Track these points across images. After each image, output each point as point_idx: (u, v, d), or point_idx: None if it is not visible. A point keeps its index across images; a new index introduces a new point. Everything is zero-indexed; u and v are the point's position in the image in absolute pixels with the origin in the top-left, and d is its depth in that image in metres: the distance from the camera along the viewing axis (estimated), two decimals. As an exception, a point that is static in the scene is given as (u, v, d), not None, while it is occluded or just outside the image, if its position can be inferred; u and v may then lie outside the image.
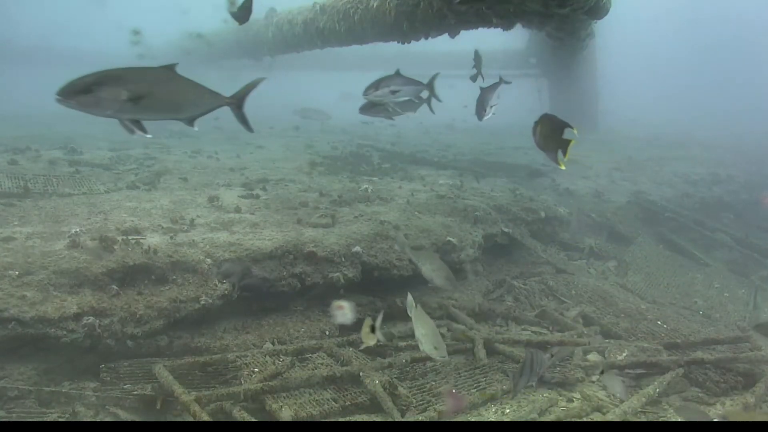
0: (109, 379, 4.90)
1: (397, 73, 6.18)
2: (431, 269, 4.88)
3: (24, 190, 7.66)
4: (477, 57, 8.01)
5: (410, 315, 4.40)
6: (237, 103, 3.89)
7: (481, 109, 6.08)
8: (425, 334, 4.20)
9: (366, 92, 6.01)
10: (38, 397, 4.60)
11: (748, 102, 30.07)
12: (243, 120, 3.97)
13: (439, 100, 6.72)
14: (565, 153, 4.02)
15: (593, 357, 5.78)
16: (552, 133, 4.05)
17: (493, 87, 6.20)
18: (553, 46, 13.19)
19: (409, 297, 4.49)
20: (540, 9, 7.59)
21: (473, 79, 8.57)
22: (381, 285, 6.62)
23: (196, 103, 3.78)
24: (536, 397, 4.94)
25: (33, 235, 5.89)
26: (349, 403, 4.67)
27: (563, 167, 4.13)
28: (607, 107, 21.43)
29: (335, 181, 10.12)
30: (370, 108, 6.28)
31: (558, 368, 5.34)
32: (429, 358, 5.43)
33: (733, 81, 39.45)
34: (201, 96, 3.77)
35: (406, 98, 6.29)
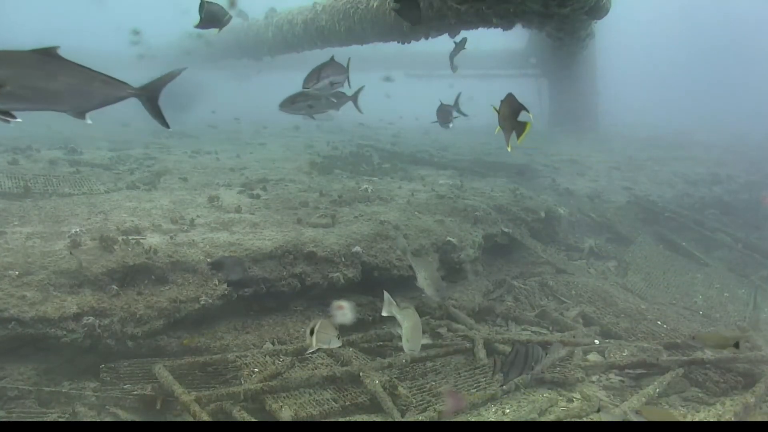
0: (109, 379, 4.90)
1: (332, 60, 5.78)
2: (424, 277, 4.95)
3: (24, 190, 7.66)
4: (459, 45, 8.09)
5: (387, 313, 4.44)
6: (148, 95, 3.48)
7: (444, 119, 7.56)
8: (407, 328, 4.32)
9: (306, 84, 5.57)
10: (38, 397, 4.60)
11: (748, 102, 30.08)
12: (156, 114, 3.59)
13: (356, 104, 6.52)
14: (519, 135, 4.02)
15: (593, 357, 5.78)
16: (510, 114, 4.06)
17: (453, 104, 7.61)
18: (553, 46, 13.20)
19: (386, 295, 4.52)
20: (540, 9, 7.60)
21: (453, 69, 8.69)
22: (381, 285, 6.60)
23: (82, 93, 3.30)
24: (536, 397, 4.93)
25: (33, 235, 5.89)
26: (349, 403, 4.67)
27: (509, 149, 4.17)
28: (608, 107, 21.44)
29: (335, 181, 10.12)
30: (291, 104, 5.80)
31: (558, 368, 5.34)
32: (429, 358, 5.45)
33: (733, 82, 39.46)
34: (89, 84, 3.29)
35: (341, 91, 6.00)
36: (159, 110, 3.60)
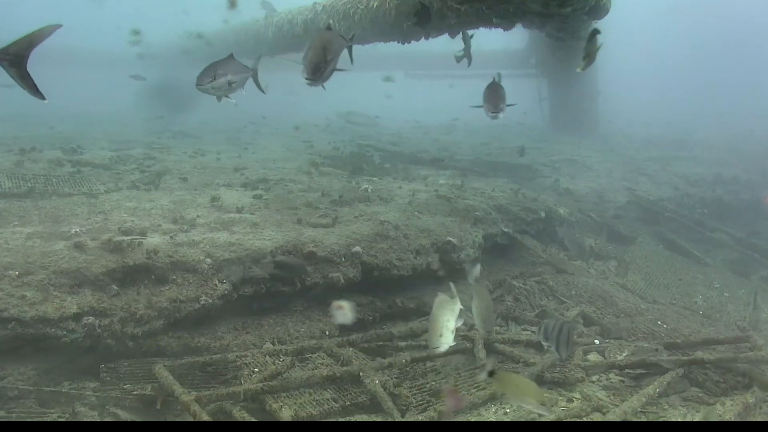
0: (109, 379, 4.90)
1: (231, 58, 5.58)
2: (477, 306, 4.55)
3: (24, 190, 7.65)
4: (465, 37, 7.88)
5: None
6: (11, 59, 2.83)
7: (494, 106, 5.80)
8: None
9: (201, 81, 5.27)
10: (38, 397, 4.60)
11: (749, 102, 30.05)
12: (25, 82, 2.98)
13: (263, 91, 6.31)
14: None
15: (593, 357, 5.78)
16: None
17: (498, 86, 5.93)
18: (553, 46, 13.19)
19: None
20: (540, 9, 7.59)
21: (458, 59, 8.59)
22: (381, 285, 6.62)
23: None
24: (536, 397, 4.93)
25: (33, 235, 5.89)
26: (349, 403, 4.67)
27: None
28: (609, 107, 21.42)
29: (335, 181, 10.12)
30: (209, 82, 5.42)
31: (558, 368, 5.33)
32: (429, 358, 5.44)
33: (734, 81, 39.42)
34: None
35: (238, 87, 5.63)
36: (28, 77, 2.98)
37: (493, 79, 6.03)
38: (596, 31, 5.77)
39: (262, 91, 6.32)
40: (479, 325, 4.57)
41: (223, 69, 5.36)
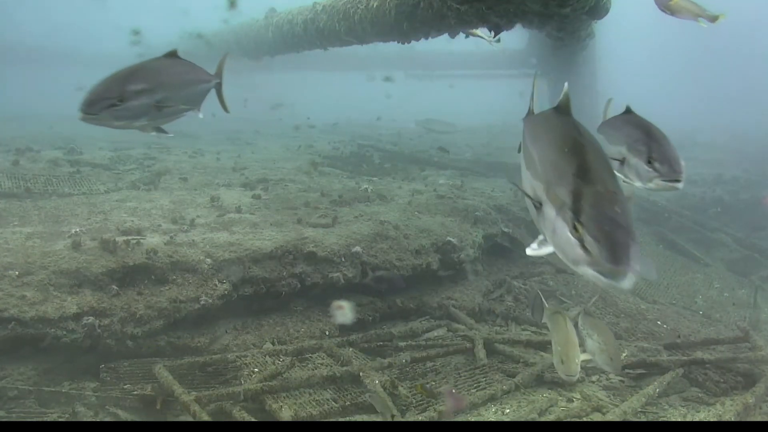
0: (109, 379, 4.90)
1: (173, 58, 3.83)
2: (596, 341, 3.93)
3: (24, 190, 7.66)
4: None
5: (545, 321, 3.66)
6: None
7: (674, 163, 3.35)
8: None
9: (89, 108, 3.35)
10: (38, 397, 4.60)
11: (751, 102, 30.03)
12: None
13: (226, 110, 4.79)
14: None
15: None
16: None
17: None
18: (554, 46, 13.19)
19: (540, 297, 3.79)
20: (540, 9, 7.58)
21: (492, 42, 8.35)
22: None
23: None
24: (536, 397, 4.93)
25: (33, 235, 5.89)
26: (349, 403, 4.67)
27: None
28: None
29: (335, 181, 10.12)
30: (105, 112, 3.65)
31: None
32: (429, 358, 5.44)
33: (736, 80, 39.40)
34: None
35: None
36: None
37: (628, 108, 4.10)
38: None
39: (225, 110, 4.80)
40: (605, 365, 3.93)
41: (144, 82, 3.39)
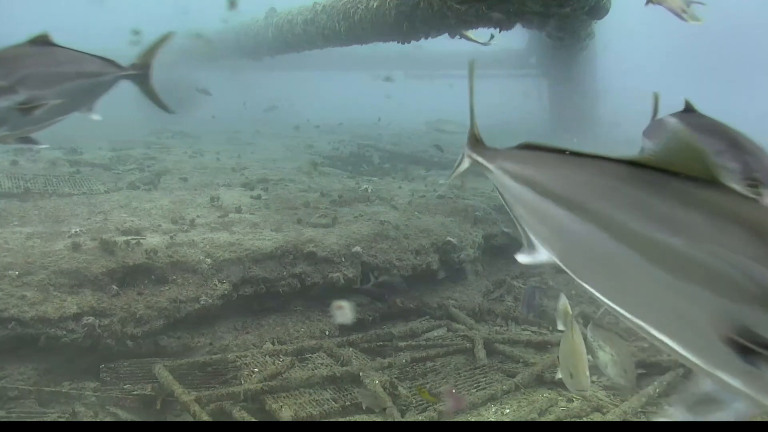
0: (109, 379, 4.90)
1: (45, 44, 2.94)
2: (611, 353, 3.74)
3: (24, 190, 7.66)
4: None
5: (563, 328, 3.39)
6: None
7: None
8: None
9: None
10: (38, 397, 4.60)
11: (753, 102, 30.03)
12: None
13: (165, 109, 4.05)
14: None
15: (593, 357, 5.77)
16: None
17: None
18: (553, 46, 13.19)
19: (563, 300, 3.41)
20: (540, 9, 7.59)
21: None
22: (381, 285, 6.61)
23: None
24: (536, 397, 4.93)
25: (33, 235, 5.89)
26: (349, 403, 4.67)
27: None
28: (609, 107, 21.39)
29: (336, 181, 10.12)
30: None
31: (558, 367, 5.33)
32: (429, 358, 5.44)
33: (738, 80, 39.37)
34: None
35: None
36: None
37: (688, 105, 3.26)
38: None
39: (164, 108, 4.01)
40: (618, 377, 3.67)
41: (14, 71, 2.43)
